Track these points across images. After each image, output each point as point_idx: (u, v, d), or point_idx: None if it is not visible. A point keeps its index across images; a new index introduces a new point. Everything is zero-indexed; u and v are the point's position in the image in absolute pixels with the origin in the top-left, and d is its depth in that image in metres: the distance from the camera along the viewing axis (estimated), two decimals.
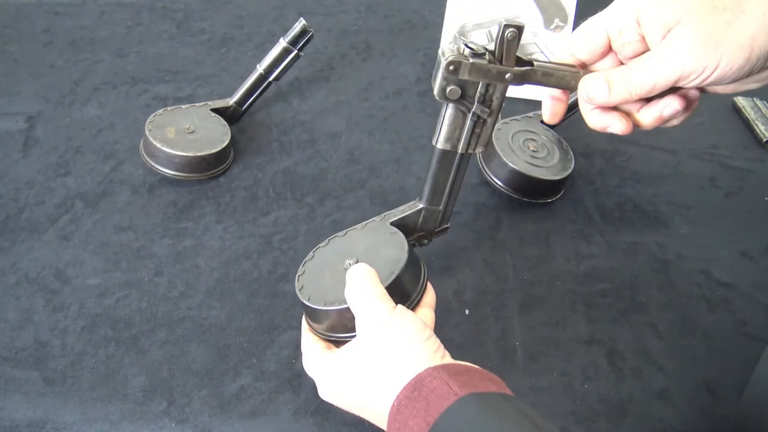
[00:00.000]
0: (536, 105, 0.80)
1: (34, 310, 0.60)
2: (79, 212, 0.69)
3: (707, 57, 0.42)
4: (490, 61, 0.47)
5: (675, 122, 0.50)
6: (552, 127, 0.75)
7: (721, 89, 0.49)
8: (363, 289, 0.48)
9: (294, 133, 0.79)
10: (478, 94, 0.49)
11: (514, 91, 0.84)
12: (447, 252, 0.66)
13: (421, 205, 0.56)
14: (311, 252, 0.57)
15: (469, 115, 0.50)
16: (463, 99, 0.49)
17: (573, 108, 0.76)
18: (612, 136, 0.80)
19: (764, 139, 0.79)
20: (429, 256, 0.65)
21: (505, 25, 0.46)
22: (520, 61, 0.48)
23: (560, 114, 0.53)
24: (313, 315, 0.52)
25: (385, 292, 0.48)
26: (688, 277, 0.65)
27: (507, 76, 0.48)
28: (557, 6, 0.89)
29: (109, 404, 0.53)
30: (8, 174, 0.73)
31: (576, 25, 0.85)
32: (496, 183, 0.69)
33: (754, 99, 0.83)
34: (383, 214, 0.57)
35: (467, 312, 0.61)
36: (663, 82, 0.45)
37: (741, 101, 0.83)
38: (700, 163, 0.77)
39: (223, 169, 0.73)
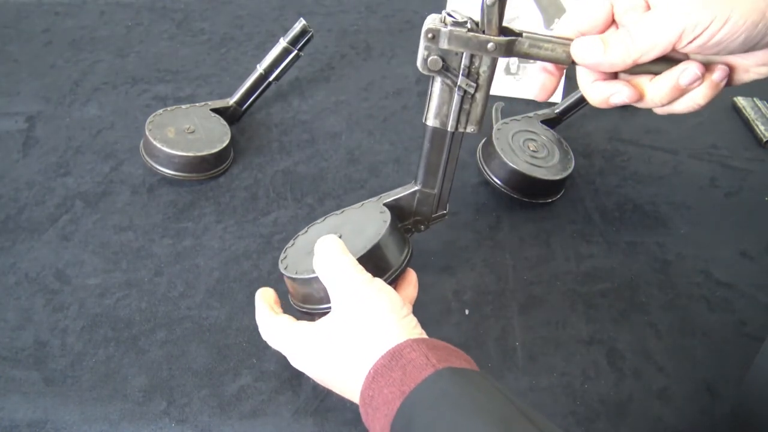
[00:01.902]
0: (536, 105, 0.80)
1: (34, 310, 0.60)
2: (79, 212, 0.69)
3: (717, 6, 0.39)
4: (471, 30, 0.45)
5: (699, 101, 0.44)
6: (552, 126, 0.75)
7: (736, 71, 0.44)
8: (332, 258, 0.47)
9: (294, 133, 0.79)
10: (462, 67, 0.47)
11: (513, 91, 0.84)
12: (447, 252, 0.66)
13: (415, 187, 0.55)
14: (305, 227, 0.57)
15: (456, 89, 0.48)
16: (446, 71, 0.47)
17: (574, 107, 0.76)
18: (612, 136, 0.80)
19: (764, 139, 0.79)
20: (429, 256, 0.65)
21: None
22: (509, 34, 0.46)
23: (551, 89, 0.50)
24: (289, 284, 0.52)
25: (356, 262, 0.47)
26: (688, 277, 0.65)
27: (489, 45, 0.45)
28: (557, 6, 0.89)
29: (109, 404, 0.53)
30: (8, 174, 0.73)
31: None
32: (496, 183, 0.69)
33: (754, 99, 0.83)
34: (380, 195, 0.56)
35: (467, 312, 0.61)
36: (666, 36, 0.41)
37: (741, 101, 0.83)
38: (700, 163, 0.77)
39: (223, 169, 0.73)
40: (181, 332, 0.58)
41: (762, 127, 0.80)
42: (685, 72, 0.43)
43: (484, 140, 0.72)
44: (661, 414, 0.54)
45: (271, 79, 0.77)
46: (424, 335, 0.45)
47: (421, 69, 0.47)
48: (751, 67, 0.44)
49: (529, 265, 0.65)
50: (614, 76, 0.47)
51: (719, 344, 0.59)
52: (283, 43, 0.76)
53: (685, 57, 0.45)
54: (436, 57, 0.46)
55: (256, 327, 0.59)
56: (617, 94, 0.46)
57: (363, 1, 1.01)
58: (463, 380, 0.39)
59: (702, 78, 0.43)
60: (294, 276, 0.51)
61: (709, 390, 0.56)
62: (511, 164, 0.67)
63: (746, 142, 0.80)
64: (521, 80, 0.85)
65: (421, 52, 0.47)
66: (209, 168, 0.71)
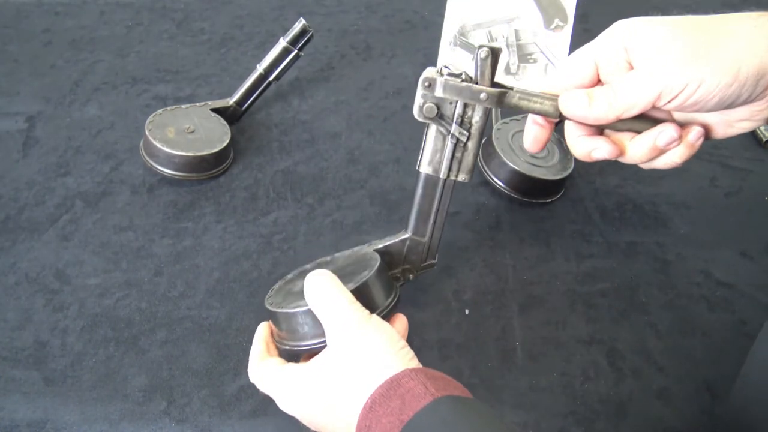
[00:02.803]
0: None
1: (34, 310, 0.60)
2: (79, 212, 0.69)
3: (691, 72, 0.42)
4: (464, 80, 0.48)
5: (676, 159, 0.47)
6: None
7: (712, 129, 0.47)
8: (327, 293, 0.46)
9: (294, 133, 0.79)
10: (456, 116, 0.50)
11: None
12: (447, 252, 0.66)
13: (406, 235, 0.56)
14: (293, 271, 0.57)
15: (449, 137, 0.51)
16: (440, 119, 0.50)
17: None
18: None
19: (764, 139, 0.79)
20: None
21: (480, 46, 0.47)
22: (501, 88, 0.49)
23: (543, 141, 0.51)
24: (274, 321, 0.51)
25: (352, 296, 0.47)
26: (688, 277, 0.65)
27: (482, 95, 0.48)
28: (557, 6, 0.89)
29: (109, 404, 0.53)
30: (8, 174, 0.73)
31: (576, 25, 0.85)
32: (496, 183, 0.69)
33: None
34: (371, 242, 0.57)
35: (467, 312, 0.61)
36: (645, 96, 0.43)
37: None
38: (700, 163, 0.77)
39: (223, 169, 0.73)
40: (181, 332, 0.58)
41: (762, 127, 0.80)
42: (662, 134, 0.46)
43: (484, 140, 0.72)
44: (661, 414, 0.54)
45: (271, 79, 0.77)
46: (420, 366, 0.45)
47: (417, 116, 0.50)
48: (733, 122, 0.46)
49: (529, 265, 0.65)
50: (599, 132, 0.50)
51: (719, 344, 0.59)
52: (283, 43, 0.76)
53: (668, 113, 0.48)
54: (431, 104, 0.49)
55: (255, 327, 0.59)
56: (599, 149, 0.48)
57: (363, 1, 1.01)
58: (462, 408, 0.39)
59: (679, 139, 0.46)
60: (278, 310, 0.50)
61: (709, 390, 0.56)
62: (511, 164, 0.67)
63: (746, 142, 0.80)
64: (521, 80, 0.85)
65: (418, 100, 0.49)
66: (209, 168, 0.71)
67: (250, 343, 0.57)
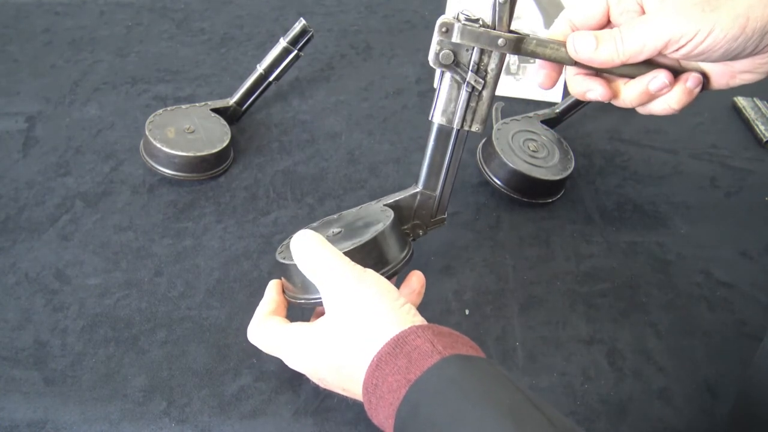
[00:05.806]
0: (536, 105, 0.80)
1: (34, 310, 0.60)
2: (79, 212, 0.69)
3: (701, 21, 0.42)
4: (482, 26, 0.48)
5: (673, 105, 0.48)
6: (552, 126, 0.75)
7: (716, 78, 0.48)
8: (313, 253, 0.46)
9: (294, 133, 0.79)
10: (471, 63, 0.49)
11: (513, 91, 0.84)
12: (447, 252, 0.66)
13: (417, 189, 0.55)
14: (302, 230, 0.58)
15: (464, 86, 0.50)
16: (456, 66, 0.49)
17: (574, 107, 0.76)
18: (612, 136, 0.80)
19: (764, 139, 0.79)
20: (429, 256, 0.65)
21: None
22: (517, 35, 0.49)
23: (555, 80, 0.52)
24: (286, 275, 0.51)
25: (341, 253, 0.46)
26: (688, 277, 0.65)
27: (499, 41, 0.47)
28: (557, 6, 0.89)
29: (109, 404, 0.53)
30: (8, 174, 0.73)
31: None
32: (496, 183, 0.69)
33: (754, 99, 0.83)
34: (379, 199, 0.57)
35: (467, 312, 0.61)
36: (653, 43, 0.44)
37: (741, 101, 0.83)
38: (700, 163, 0.77)
39: (223, 169, 0.73)
40: (181, 332, 0.58)
41: (762, 127, 0.80)
42: (654, 80, 0.47)
43: (484, 140, 0.72)
44: (661, 414, 0.54)
45: (271, 79, 0.77)
46: (425, 322, 0.44)
47: (432, 63, 0.49)
48: (737, 73, 0.47)
49: (529, 265, 0.65)
50: (597, 73, 0.51)
51: (719, 344, 0.59)
52: (283, 43, 0.76)
53: (674, 61, 0.48)
54: (448, 51, 0.48)
55: None
56: (593, 91, 0.49)
57: (363, 1, 1.01)
58: (470, 367, 0.38)
59: (670, 86, 0.47)
60: (283, 261, 0.50)
61: (709, 390, 0.56)
62: (511, 164, 0.67)
63: (746, 142, 0.80)
64: (521, 80, 0.85)
65: (434, 47, 0.48)
66: (209, 168, 0.71)
67: (250, 344, 0.57)
